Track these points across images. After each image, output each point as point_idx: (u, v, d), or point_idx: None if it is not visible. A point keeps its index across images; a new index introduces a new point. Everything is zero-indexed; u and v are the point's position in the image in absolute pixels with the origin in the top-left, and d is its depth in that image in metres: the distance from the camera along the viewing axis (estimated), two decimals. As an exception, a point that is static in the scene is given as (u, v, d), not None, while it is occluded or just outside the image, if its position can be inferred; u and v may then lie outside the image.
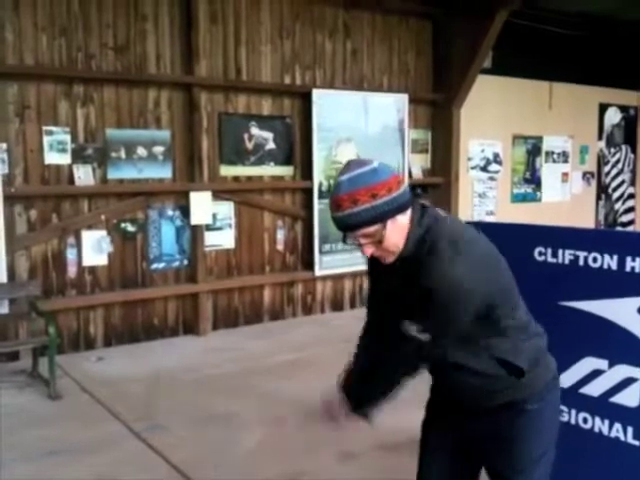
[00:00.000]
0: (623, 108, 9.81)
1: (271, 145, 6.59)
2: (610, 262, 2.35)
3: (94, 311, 5.65)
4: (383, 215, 1.63)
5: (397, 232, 1.66)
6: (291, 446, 3.65)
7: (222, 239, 6.33)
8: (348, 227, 1.64)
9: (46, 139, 5.35)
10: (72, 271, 5.54)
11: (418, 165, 7.70)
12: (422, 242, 1.66)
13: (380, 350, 1.82)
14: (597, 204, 9.70)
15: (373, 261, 1.79)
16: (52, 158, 5.39)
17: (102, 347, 5.67)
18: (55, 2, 5.32)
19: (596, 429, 2.43)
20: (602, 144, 9.66)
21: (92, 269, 5.63)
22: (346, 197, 1.61)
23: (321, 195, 6.77)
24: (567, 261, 2.45)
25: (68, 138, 5.44)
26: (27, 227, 5.34)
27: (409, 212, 1.68)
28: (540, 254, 2.55)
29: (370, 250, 1.66)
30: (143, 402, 4.41)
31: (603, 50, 9.02)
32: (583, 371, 2.43)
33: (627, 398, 2.32)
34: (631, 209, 10.12)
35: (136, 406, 4.32)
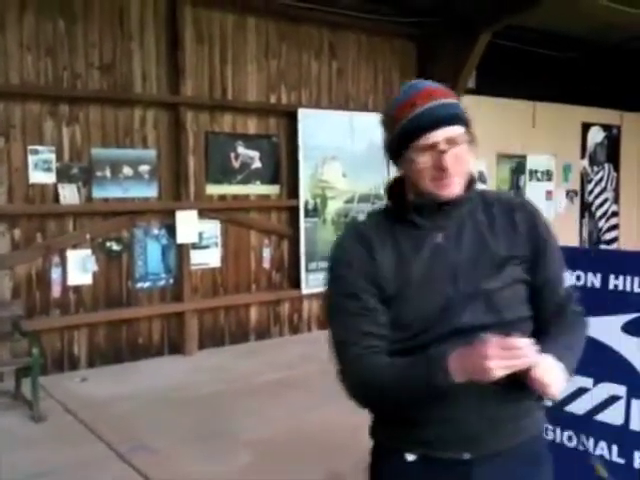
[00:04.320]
0: (606, 127, 9.95)
1: (257, 164, 6.60)
2: (594, 280, 2.37)
3: (78, 331, 5.59)
4: (470, 126, 1.46)
5: (470, 162, 1.46)
6: (278, 467, 3.61)
7: (208, 258, 6.31)
8: (446, 118, 1.40)
9: (31, 158, 5.33)
10: (56, 290, 5.49)
11: (404, 183, 7.74)
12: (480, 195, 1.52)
13: None
14: (581, 222, 9.79)
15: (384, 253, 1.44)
16: (37, 177, 5.36)
17: (86, 367, 5.60)
18: (41, 22, 5.34)
19: (581, 447, 2.43)
20: (585, 163, 9.78)
21: (77, 288, 5.59)
22: (437, 90, 1.45)
23: (307, 214, 6.79)
24: (551, 279, 2.47)
25: (53, 157, 5.42)
26: (11, 246, 5.30)
27: None
28: (524, 272, 2.56)
29: (449, 162, 1.38)
30: (128, 423, 4.35)
31: (586, 70, 9.17)
32: (568, 389, 2.44)
33: (612, 416, 2.33)
34: (614, 227, 10.22)
35: (120, 427, 4.26)
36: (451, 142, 1.40)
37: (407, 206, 1.47)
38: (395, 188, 1.52)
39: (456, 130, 1.41)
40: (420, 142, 1.39)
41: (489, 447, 1.40)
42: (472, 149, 1.47)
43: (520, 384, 1.33)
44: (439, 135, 1.39)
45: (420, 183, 1.43)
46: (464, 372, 1.28)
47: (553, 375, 1.34)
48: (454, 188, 1.42)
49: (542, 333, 1.46)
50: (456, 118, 1.42)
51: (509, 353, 1.26)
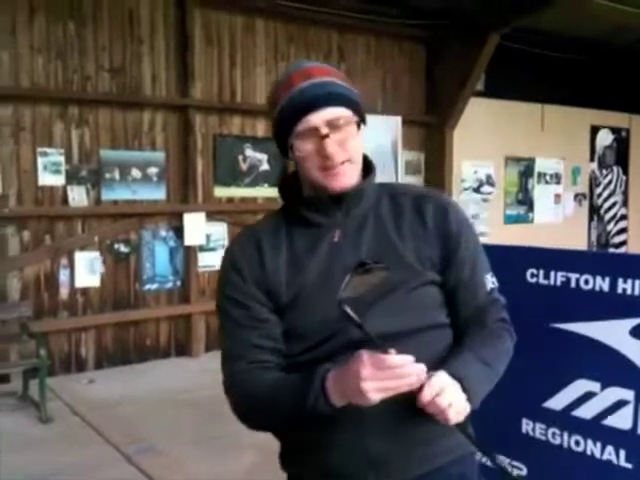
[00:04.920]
0: (614, 130, 9.90)
1: (265, 166, 6.61)
2: (602, 284, 2.35)
3: (86, 333, 5.61)
4: (358, 107, 1.29)
5: (361, 146, 1.30)
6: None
7: (215, 260, 6.31)
8: (324, 97, 1.23)
9: (40, 160, 5.36)
10: (64, 292, 5.51)
11: (412, 186, 7.73)
12: (379, 193, 1.35)
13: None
14: (589, 225, 9.75)
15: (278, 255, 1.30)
16: (46, 179, 5.39)
17: (93, 369, 5.62)
18: (51, 24, 5.37)
19: (588, 452, 2.42)
20: (594, 165, 9.74)
21: (84, 290, 5.61)
22: (317, 68, 1.29)
23: (315, 216, 6.79)
24: (559, 283, 2.46)
25: (62, 159, 5.45)
26: (20, 248, 5.32)
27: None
28: (532, 276, 2.55)
29: (333, 149, 1.23)
30: (134, 424, 4.36)
31: (594, 72, 9.13)
32: (575, 394, 2.43)
33: (619, 421, 2.31)
34: (623, 230, 10.17)
35: (127, 429, 4.27)
36: (333, 125, 1.24)
37: (301, 202, 1.32)
38: (291, 184, 1.37)
39: (338, 112, 1.24)
40: (299, 127, 1.24)
41: (400, 473, 1.24)
42: (362, 133, 1.30)
43: None
44: (318, 117, 1.23)
45: (310, 175, 1.27)
46: (341, 395, 1.12)
47: (448, 396, 1.12)
48: (345, 178, 1.26)
49: (457, 344, 1.30)
50: (337, 98, 1.25)
51: (386, 373, 1.06)
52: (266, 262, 1.29)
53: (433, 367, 1.17)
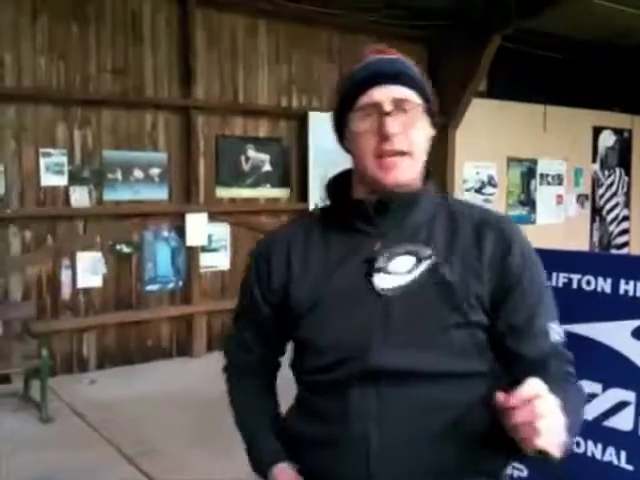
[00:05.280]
0: (617, 131, 9.89)
1: (267, 167, 6.62)
2: (604, 285, 2.35)
3: (87, 333, 5.62)
4: (430, 101, 1.19)
5: (424, 143, 1.17)
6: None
7: (217, 260, 6.32)
8: (392, 74, 1.13)
9: (43, 161, 5.37)
10: (66, 293, 5.51)
11: (414, 187, 7.72)
12: (441, 203, 1.21)
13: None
14: (591, 226, 9.73)
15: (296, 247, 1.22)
16: (48, 180, 5.39)
17: (95, 369, 5.62)
18: (54, 25, 5.38)
19: (589, 453, 2.41)
20: (596, 167, 9.73)
21: (86, 291, 5.61)
22: (394, 51, 1.21)
23: (317, 217, 6.79)
24: (561, 284, 2.45)
25: (65, 160, 5.45)
26: (22, 248, 5.33)
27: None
28: (533, 277, 2.54)
29: (394, 128, 1.10)
30: (136, 425, 4.36)
31: (597, 74, 9.12)
32: (577, 395, 2.42)
33: (621, 422, 2.31)
34: (625, 231, 10.15)
35: (129, 430, 4.27)
36: (398, 106, 1.12)
37: (346, 205, 1.19)
38: (341, 184, 1.23)
39: (406, 93, 1.13)
40: (360, 101, 1.12)
41: None
42: (429, 128, 1.18)
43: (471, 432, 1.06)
44: (383, 93, 1.11)
45: (362, 162, 1.14)
46: None
47: (545, 405, 0.93)
48: (400, 172, 1.11)
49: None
50: (408, 79, 1.15)
51: None
52: (292, 265, 1.20)
53: (453, 425, 1.07)
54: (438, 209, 1.19)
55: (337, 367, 1.12)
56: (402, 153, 1.12)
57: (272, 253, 1.24)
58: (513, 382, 0.98)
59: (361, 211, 1.16)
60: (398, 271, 1.12)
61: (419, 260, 1.12)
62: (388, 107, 1.11)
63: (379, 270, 1.12)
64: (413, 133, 1.13)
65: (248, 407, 1.34)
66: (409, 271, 1.12)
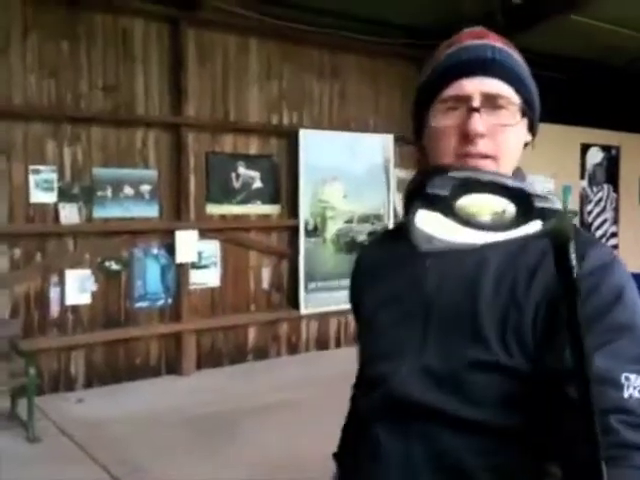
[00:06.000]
0: (605, 148, 9.98)
1: (258, 184, 6.63)
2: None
3: (76, 351, 5.58)
4: (530, 97, 1.01)
5: (515, 148, 1.01)
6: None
7: (207, 277, 6.31)
8: (488, 64, 0.96)
9: (32, 178, 5.35)
10: (55, 310, 5.48)
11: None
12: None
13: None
14: (581, 243, 9.78)
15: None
16: (38, 197, 5.38)
17: (83, 388, 5.58)
18: (45, 42, 5.39)
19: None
20: (584, 183, 9.80)
21: (75, 308, 5.58)
22: (495, 36, 1.03)
23: (307, 234, 6.80)
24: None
25: (54, 177, 5.44)
26: (10, 265, 5.30)
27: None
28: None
29: (480, 127, 0.93)
30: (124, 445, 4.33)
31: (585, 91, 9.22)
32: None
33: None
34: (614, 247, 10.22)
35: (117, 449, 4.24)
36: (491, 101, 0.95)
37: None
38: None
39: (502, 88, 0.96)
40: (446, 92, 0.97)
41: None
42: (525, 133, 1.02)
43: None
44: (473, 85, 0.95)
45: (439, 163, 0.98)
46: None
47: None
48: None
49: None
50: (504, 70, 0.97)
51: None
52: (357, 278, 1.16)
53: None
54: None
55: (365, 394, 1.06)
56: (485, 156, 0.96)
57: (355, 270, 1.20)
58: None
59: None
60: None
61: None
62: (476, 102, 0.95)
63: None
64: (503, 136, 0.97)
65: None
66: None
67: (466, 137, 0.94)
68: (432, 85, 0.99)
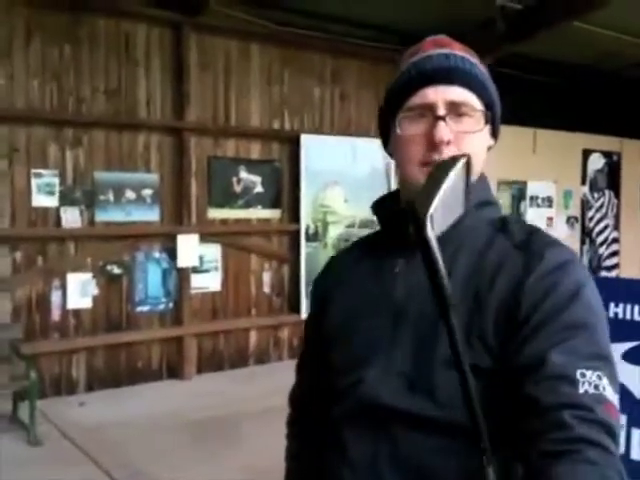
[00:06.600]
0: (606, 154, 9.99)
1: (259, 188, 6.63)
2: (593, 308, 2.36)
3: (77, 355, 5.57)
4: (493, 105, 1.04)
5: (480, 154, 1.02)
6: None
7: (208, 282, 6.31)
8: (451, 71, 0.98)
9: (34, 181, 5.36)
10: (56, 314, 5.48)
11: (405, 209, 7.76)
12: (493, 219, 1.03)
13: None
14: (581, 248, 9.79)
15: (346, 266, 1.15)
16: (40, 200, 5.39)
17: (84, 392, 5.57)
18: (47, 47, 5.41)
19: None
20: (586, 189, 9.81)
21: (76, 312, 5.58)
22: (457, 45, 1.04)
23: (308, 238, 6.80)
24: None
25: (57, 181, 5.45)
26: (12, 269, 5.30)
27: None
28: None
29: (445, 135, 0.96)
30: (125, 448, 4.32)
31: (586, 97, 9.25)
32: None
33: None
34: (615, 253, 10.21)
35: (118, 452, 4.23)
36: (455, 109, 0.98)
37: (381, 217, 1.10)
38: (387, 203, 1.11)
39: (465, 95, 0.99)
40: (411, 100, 0.99)
41: None
42: (488, 138, 1.04)
43: None
44: (437, 93, 0.98)
45: (407, 174, 1.01)
46: None
47: None
48: None
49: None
50: (468, 79, 0.99)
51: None
52: (323, 286, 1.18)
53: None
54: (486, 230, 1.00)
55: (335, 402, 1.06)
56: None
57: (316, 282, 1.26)
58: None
59: (391, 223, 1.06)
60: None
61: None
62: (441, 111, 0.97)
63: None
64: (468, 142, 0.98)
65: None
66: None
67: (432, 145, 0.97)
68: (397, 94, 1.02)
